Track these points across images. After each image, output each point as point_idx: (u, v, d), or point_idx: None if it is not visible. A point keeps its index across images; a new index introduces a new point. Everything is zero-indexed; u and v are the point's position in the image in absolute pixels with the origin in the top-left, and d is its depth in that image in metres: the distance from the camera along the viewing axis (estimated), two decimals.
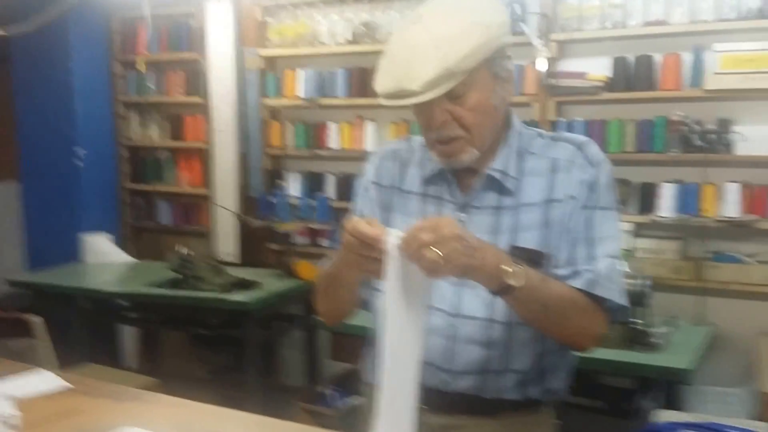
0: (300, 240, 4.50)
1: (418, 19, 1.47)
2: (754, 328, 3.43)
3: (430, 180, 1.65)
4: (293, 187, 4.51)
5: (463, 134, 1.53)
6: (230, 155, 4.70)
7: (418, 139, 1.70)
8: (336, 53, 4.32)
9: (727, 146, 3.42)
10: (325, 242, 4.48)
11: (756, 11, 3.33)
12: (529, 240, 1.55)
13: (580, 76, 3.68)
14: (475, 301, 1.57)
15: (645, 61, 3.59)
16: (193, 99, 4.85)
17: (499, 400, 1.60)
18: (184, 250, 4.09)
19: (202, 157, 4.89)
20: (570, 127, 3.71)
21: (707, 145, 3.44)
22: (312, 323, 4.29)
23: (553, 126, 3.73)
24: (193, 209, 5.05)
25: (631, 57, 3.62)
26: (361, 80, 4.25)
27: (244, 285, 4.03)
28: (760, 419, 2.77)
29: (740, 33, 3.37)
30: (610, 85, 3.65)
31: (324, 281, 1.70)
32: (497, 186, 1.59)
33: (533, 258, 1.52)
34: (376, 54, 4.15)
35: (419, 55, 1.43)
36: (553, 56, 3.74)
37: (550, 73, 3.73)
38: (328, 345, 4.48)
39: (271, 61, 4.61)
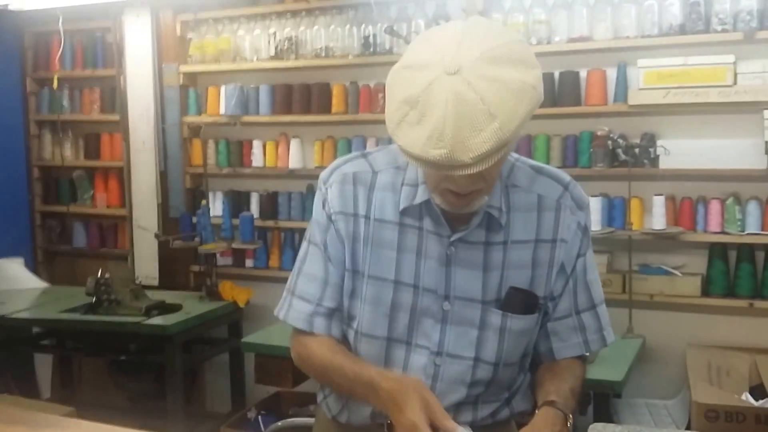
0: (223, 261, 4.32)
1: (457, 71, 1.24)
2: (682, 339, 3.43)
3: (408, 209, 1.51)
4: (216, 206, 4.32)
5: (484, 186, 1.39)
6: (149, 174, 4.49)
7: (378, 159, 1.56)
8: (259, 69, 4.18)
9: (652, 160, 3.42)
10: (249, 262, 4.32)
11: (677, 27, 3.35)
12: (519, 279, 1.51)
13: None
14: (462, 340, 1.51)
15: (570, 77, 3.58)
16: (110, 117, 4.63)
17: (473, 424, 1.56)
18: (101, 274, 3.88)
19: (120, 176, 4.66)
20: None
21: (632, 159, 3.43)
22: (236, 346, 4.11)
23: None
24: (111, 231, 4.80)
25: (556, 73, 3.60)
26: (285, 97, 4.13)
27: (164, 308, 3.87)
28: (691, 429, 2.75)
29: (662, 49, 3.39)
30: None
31: (324, 373, 1.60)
32: (488, 221, 1.50)
33: (528, 301, 1.52)
34: (301, 70, 4.11)
35: (471, 122, 1.22)
36: None
37: None
38: (253, 368, 4.29)
39: (192, 78, 4.43)
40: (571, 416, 1.47)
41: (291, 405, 3.89)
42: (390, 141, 4.14)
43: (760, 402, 2.85)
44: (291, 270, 4.39)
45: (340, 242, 1.55)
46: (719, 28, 3.31)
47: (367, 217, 1.53)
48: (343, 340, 1.60)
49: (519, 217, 1.51)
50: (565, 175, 1.57)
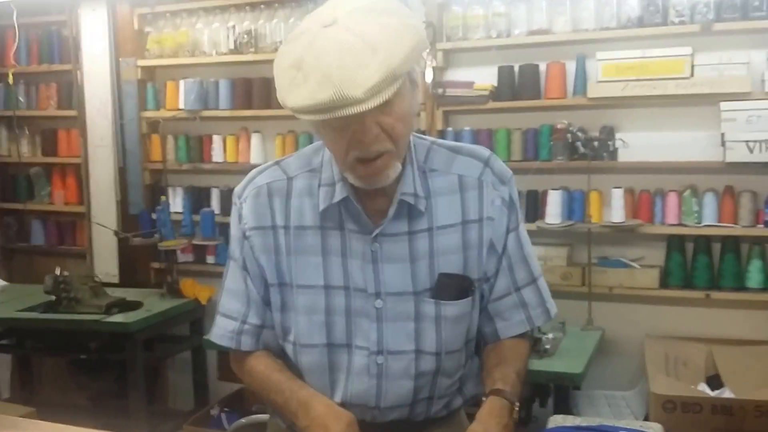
0: (184, 257, 4.30)
1: (333, 22, 1.28)
2: (641, 331, 3.48)
3: (328, 210, 1.49)
4: (176, 202, 4.30)
5: (391, 147, 1.37)
6: (108, 170, 4.45)
7: (291, 165, 1.55)
8: (218, 63, 4.16)
9: (611, 153, 3.46)
10: (210, 259, 4.31)
11: (635, 20, 3.39)
12: (450, 264, 1.50)
13: (467, 85, 3.66)
14: (400, 335, 1.50)
15: (530, 70, 3.61)
16: (67, 112, 4.57)
17: (427, 420, 1.59)
18: (60, 271, 3.84)
19: (78, 173, 4.60)
20: (458, 137, 3.69)
21: (591, 152, 3.47)
22: (198, 343, 4.11)
23: (442, 136, 3.69)
24: (69, 228, 4.76)
25: (516, 66, 3.63)
26: (245, 91, 4.11)
27: (124, 306, 3.84)
28: (650, 419, 2.80)
29: (621, 41, 3.42)
30: (497, 94, 3.64)
31: (262, 389, 1.60)
32: (408, 210, 1.48)
33: (462, 284, 1.51)
34: (261, 64, 4.11)
35: (355, 59, 1.24)
36: (439, 66, 3.70)
37: (437, 83, 3.69)
38: (215, 365, 4.29)
39: (150, 72, 4.39)
40: (517, 404, 1.48)
41: (254, 401, 3.89)
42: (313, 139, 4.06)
43: (716, 392, 2.91)
44: None
45: (255, 259, 1.53)
46: (677, 20, 3.35)
47: (286, 227, 1.51)
48: (281, 354, 1.60)
49: (442, 201, 1.49)
50: (484, 151, 1.56)
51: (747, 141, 3.22)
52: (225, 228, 4.20)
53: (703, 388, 2.96)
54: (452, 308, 1.51)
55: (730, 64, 3.30)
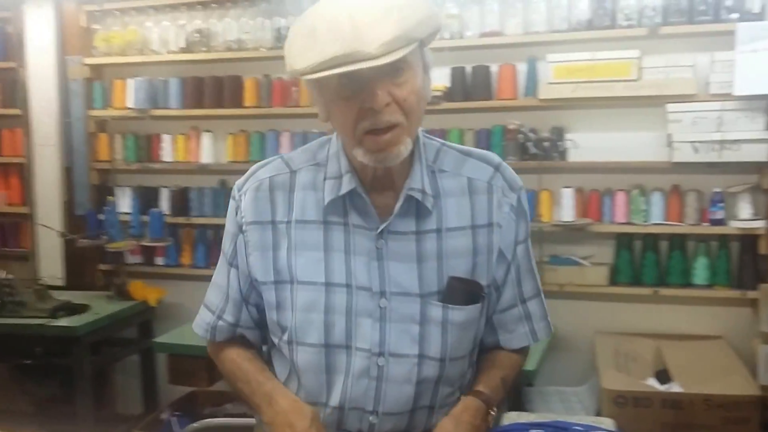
0: (132, 259, 4.24)
1: None
2: (591, 327, 3.56)
3: (333, 203, 1.45)
4: (124, 202, 4.23)
5: (402, 120, 1.32)
6: (53, 170, 4.36)
7: (295, 158, 1.51)
8: (168, 62, 4.12)
9: (561, 153, 3.53)
10: (159, 260, 4.25)
11: (585, 23, 3.47)
12: (458, 268, 1.45)
13: None
14: (403, 338, 1.45)
15: (482, 71, 3.66)
16: (11, 111, 4.47)
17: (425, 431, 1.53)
18: (3, 274, 3.77)
19: (22, 173, 4.50)
20: None
21: (542, 152, 3.54)
22: (147, 347, 4.05)
23: None
24: (13, 230, 4.64)
25: (468, 67, 3.68)
26: (195, 90, 4.08)
27: (71, 309, 3.77)
28: (601, 415, 2.85)
29: (571, 44, 3.50)
30: (449, 94, 3.68)
31: (232, 377, 1.59)
32: (415, 208, 1.44)
33: (472, 290, 1.47)
34: (213, 63, 4.07)
35: (367, 18, 1.23)
36: None
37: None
38: (165, 369, 4.23)
39: (97, 70, 4.33)
40: (495, 409, 1.48)
41: (206, 405, 3.85)
42: (304, 139, 4.07)
43: (665, 386, 2.98)
44: (204, 267, 4.37)
45: (247, 255, 1.50)
46: (625, 23, 3.44)
47: (288, 222, 1.47)
48: (257, 349, 1.61)
49: (451, 202, 1.46)
50: (495, 157, 1.53)
51: (692, 142, 3.32)
52: (175, 229, 4.19)
53: (653, 383, 3.03)
54: (460, 313, 1.46)
55: (676, 66, 3.40)
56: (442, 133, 3.71)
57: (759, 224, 3.33)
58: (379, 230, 1.43)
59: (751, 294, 3.33)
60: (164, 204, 4.22)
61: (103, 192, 4.29)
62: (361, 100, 1.29)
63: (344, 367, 1.46)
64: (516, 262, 1.52)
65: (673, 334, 3.43)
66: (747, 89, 3.23)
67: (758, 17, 3.28)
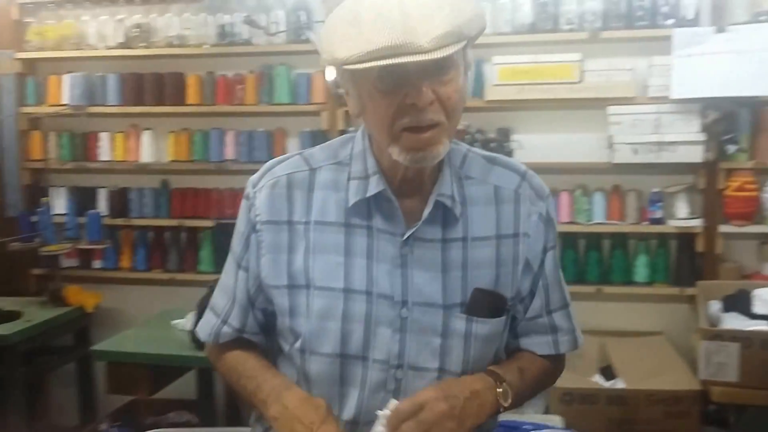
0: (68, 262, 4.09)
1: None
2: None
3: (357, 206, 1.38)
4: (59, 203, 4.10)
5: (444, 120, 1.27)
6: None
7: (315, 155, 1.44)
8: (106, 57, 4.01)
9: (507, 154, 3.59)
10: (97, 264, 4.14)
11: (528, 26, 3.55)
12: (483, 279, 1.40)
13: None
14: (424, 350, 1.39)
15: None
16: None
17: None
18: None
19: None
20: None
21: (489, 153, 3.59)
22: (84, 354, 3.93)
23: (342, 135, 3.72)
24: None
25: None
26: (135, 86, 3.99)
27: (1, 316, 3.62)
28: (549, 412, 2.91)
29: (516, 46, 3.57)
30: None
31: (233, 374, 1.52)
32: (442, 214, 1.39)
33: (497, 302, 1.42)
34: (153, 58, 3.99)
35: (419, 10, 1.18)
36: None
37: (339, 83, 3.70)
38: (103, 377, 4.12)
39: (30, 65, 4.19)
40: (503, 385, 1.37)
41: (148, 414, 3.77)
42: (250, 138, 3.99)
43: (610, 383, 3.06)
44: (144, 270, 4.26)
45: (259, 256, 1.43)
46: (566, 27, 3.53)
47: (306, 223, 1.40)
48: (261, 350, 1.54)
49: (477, 211, 1.41)
50: (520, 165, 1.49)
51: (632, 143, 3.43)
52: (113, 231, 4.09)
53: (598, 379, 3.10)
54: (484, 326, 1.41)
55: (616, 70, 3.50)
56: None
57: (695, 223, 3.47)
58: (405, 236, 1.37)
59: (689, 291, 3.46)
60: (102, 205, 4.11)
61: (36, 192, 4.15)
62: (404, 95, 1.24)
63: (359, 378, 1.40)
64: (543, 272, 1.47)
65: (616, 331, 3.53)
66: (683, 93, 3.36)
67: (693, 23, 3.41)
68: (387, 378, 1.39)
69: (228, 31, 3.83)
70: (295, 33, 3.76)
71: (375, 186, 1.37)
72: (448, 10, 1.19)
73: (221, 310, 1.52)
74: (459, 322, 1.39)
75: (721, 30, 3.34)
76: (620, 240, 3.62)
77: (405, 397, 1.33)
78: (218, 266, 3.79)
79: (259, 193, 1.43)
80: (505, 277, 1.42)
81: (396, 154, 1.29)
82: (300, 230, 1.41)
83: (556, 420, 2.42)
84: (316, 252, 1.40)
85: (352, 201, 1.39)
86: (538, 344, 1.50)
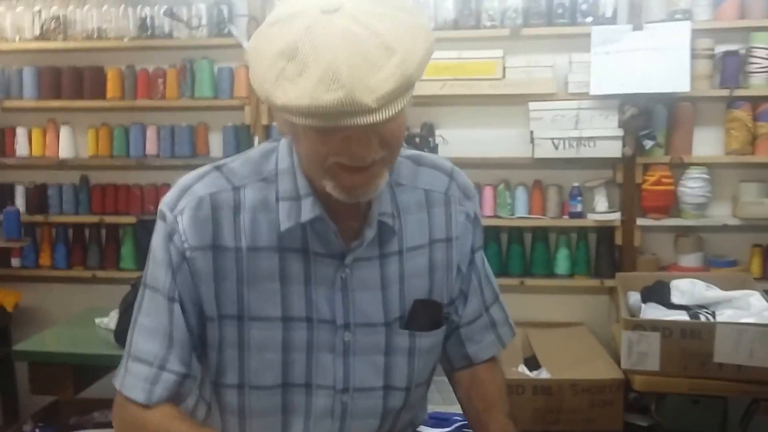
0: None
1: (337, 8, 1.02)
2: None
3: (290, 229, 1.21)
4: None
5: (384, 154, 1.10)
6: None
7: (236, 172, 1.24)
8: (22, 50, 3.76)
9: (432, 149, 3.49)
10: (15, 262, 3.89)
11: (451, 22, 3.45)
12: (418, 289, 1.30)
13: None
14: (369, 370, 1.29)
15: None
16: None
17: None
18: None
19: None
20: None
21: (414, 148, 3.44)
22: (4, 355, 3.69)
23: (267, 131, 3.59)
24: None
25: None
26: (53, 80, 3.75)
27: None
28: None
29: (439, 42, 3.44)
30: None
31: None
32: (380, 230, 1.26)
33: (433, 312, 1.33)
34: (71, 52, 3.76)
35: (366, 58, 0.99)
36: None
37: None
38: (25, 377, 3.89)
39: None
40: None
41: (71, 414, 3.57)
42: (172, 133, 3.79)
43: (535, 373, 3.02)
44: (65, 268, 4.04)
45: (195, 286, 1.22)
46: (488, 24, 3.45)
47: (237, 249, 1.21)
48: (193, 411, 1.35)
49: (410, 219, 1.29)
50: (446, 162, 1.38)
51: (553, 138, 3.38)
52: (32, 228, 3.87)
53: (523, 370, 3.06)
54: (427, 339, 1.32)
55: (537, 66, 3.44)
56: None
57: (614, 216, 3.44)
58: (346, 260, 1.24)
59: (608, 282, 3.43)
60: (20, 201, 3.86)
61: None
62: (340, 138, 1.06)
63: (303, 407, 1.28)
64: (476, 271, 1.39)
65: (538, 322, 3.47)
66: (602, 89, 3.33)
67: (611, 21, 3.38)
68: (333, 404, 1.29)
69: (149, 24, 3.64)
70: (218, 27, 3.59)
71: (310, 210, 1.20)
72: (399, 57, 1.01)
73: (153, 357, 1.24)
74: (402, 339, 1.30)
75: (638, 28, 3.32)
76: (542, 234, 3.57)
77: (353, 421, 1.29)
78: (140, 263, 3.71)
79: (181, 216, 1.22)
80: (439, 284, 1.33)
81: (330, 188, 1.13)
82: (229, 256, 1.22)
83: None
84: (250, 280, 1.22)
85: (284, 226, 1.21)
86: (486, 347, 1.43)
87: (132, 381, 1.24)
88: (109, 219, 3.78)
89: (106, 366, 2.99)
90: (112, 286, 3.52)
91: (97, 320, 3.07)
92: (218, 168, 1.25)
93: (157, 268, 1.24)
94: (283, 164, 1.23)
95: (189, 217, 1.21)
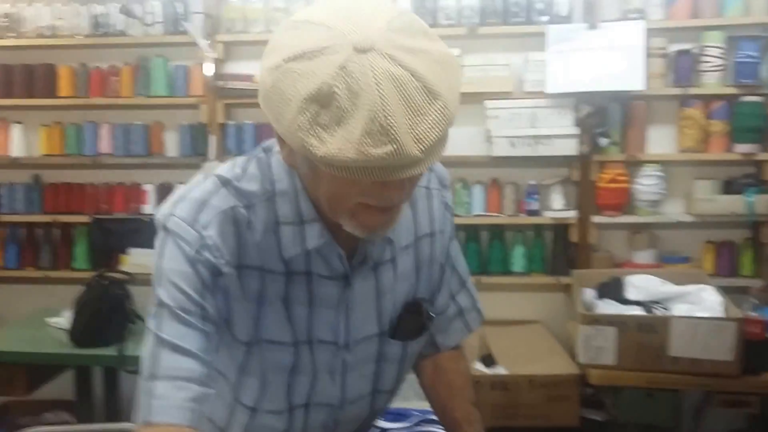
0: None
1: (371, 47, 0.88)
2: None
3: (300, 254, 1.12)
4: None
5: (409, 192, 1.02)
6: None
7: (246, 188, 1.11)
8: None
9: None
10: None
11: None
12: (406, 290, 1.23)
13: (248, 78, 3.45)
14: (361, 381, 1.24)
15: None
16: None
17: None
18: None
19: None
20: (239, 130, 3.48)
21: None
22: None
23: (224, 129, 3.47)
24: None
25: None
26: (4, 78, 3.62)
27: None
28: None
29: None
30: None
31: None
32: (381, 244, 1.18)
33: (418, 314, 1.26)
34: (23, 49, 3.61)
35: (411, 105, 0.87)
36: (219, 58, 3.46)
37: (218, 75, 3.44)
38: None
39: None
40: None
41: (22, 415, 3.43)
42: (126, 132, 3.63)
43: (491, 369, 2.94)
44: (17, 268, 3.87)
45: (226, 305, 1.11)
46: (445, 22, 3.38)
47: (257, 268, 1.11)
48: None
49: (399, 221, 1.20)
50: None
51: (509, 137, 3.32)
52: None
53: (479, 367, 2.98)
54: (417, 345, 1.29)
55: (493, 65, 3.38)
56: (270, 127, 3.47)
57: (570, 214, 3.39)
58: (349, 279, 1.15)
59: (564, 279, 3.37)
60: None
61: None
62: (375, 185, 0.95)
63: (302, 425, 1.24)
64: (449, 260, 1.31)
65: (495, 320, 3.39)
66: (557, 88, 3.28)
67: (566, 20, 3.33)
68: (327, 419, 1.25)
69: (102, 21, 3.51)
70: (173, 24, 3.47)
71: (317, 237, 1.10)
72: (442, 101, 0.89)
73: (192, 373, 1.08)
74: (395, 347, 1.25)
75: (593, 27, 3.26)
76: (498, 231, 3.49)
77: (341, 427, 1.27)
78: (93, 263, 3.56)
79: (207, 231, 1.08)
80: (422, 281, 1.26)
81: (349, 226, 1.03)
82: (252, 276, 1.11)
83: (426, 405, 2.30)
84: (263, 302, 1.13)
85: (288, 253, 1.11)
86: (452, 334, 1.37)
87: (167, 403, 1.07)
88: (63, 218, 3.64)
89: (59, 366, 2.95)
90: (64, 287, 3.36)
91: (50, 320, 2.95)
92: (224, 184, 1.12)
93: (181, 289, 1.09)
94: (282, 185, 1.11)
95: (217, 232, 1.08)
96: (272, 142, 1.12)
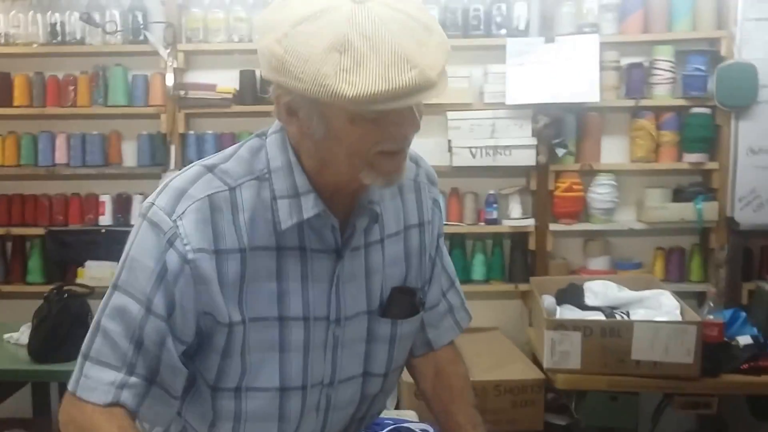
0: None
1: None
2: None
3: (291, 227, 1.15)
4: None
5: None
6: None
7: (230, 171, 1.15)
8: None
9: None
10: None
11: None
12: (395, 277, 1.28)
13: (210, 88, 3.39)
14: (352, 359, 1.25)
15: None
16: None
17: None
18: None
19: None
20: (201, 140, 3.41)
21: None
22: None
23: (184, 139, 3.40)
24: None
25: (258, 71, 3.42)
26: None
27: None
28: (403, 407, 2.76)
29: None
30: (239, 97, 3.41)
31: None
32: (370, 222, 1.23)
33: (410, 299, 1.30)
34: None
35: (415, 37, 1.00)
36: (180, 67, 3.39)
37: (178, 85, 3.37)
38: None
39: None
40: None
41: None
42: (83, 141, 3.52)
43: None
44: None
45: (197, 292, 1.12)
46: None
47: (238, 250, 1.12)
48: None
49: (387, 207, 1.26)
50: (410, 150, 1.29)
51: (470, 147, 3.34)
52: None
53: None
54: (408, 326, 1.29)
55: (454, 77, 3.38)
56: (232, 137, 3.43)
57: (528, 222, 3.42)
58: (342, 253, 1.19)
59: (522, 287, 3.40)
60: None
61: None
62: (393, 123, 1.05)
63: (299, 409, 1.22)
64: (440, 256, 1.38)
65: None
66: (516, 99, 3.31)
67: (524, 33, 3.37)
68: (320, 398, 1.25)
69: (59, 30, 3.39)
70: (133, 33, 3.38)
71: (312, 207, 1.14)
72: (437, 34, 1.04)
73: (120, 361, 1.12)
74: (384, 327, 1.27)
75: (549, 40, 3.31)
76: (459, 240, 3.51)
77: (333, 412, 1.27)
78: (48, 276, 3.43)
79: (182, 220, 1.11)
80: (414, 270, 1.31)
81: (369, 178, 1.10)
82: (232, 259, 1.13)
83: (411, 414, 2.29)
84: (250, 281, 1.14)
85: (285, 224, 1.14)
86: (444, 332, 1.41)
87: (92, 384, 1.12)
88: (16, 231, 3.50)
89: (15, 382, 2.82)
90: (18, 301, 3.26)
91: (6, 336, 2.82)
92: (209, 168, 1.16)
93: (139, 275, 1.12)
94: (276, 162, 1.16)
95: (191, 221, 1.11)
96: (266, 129, 1.19)
